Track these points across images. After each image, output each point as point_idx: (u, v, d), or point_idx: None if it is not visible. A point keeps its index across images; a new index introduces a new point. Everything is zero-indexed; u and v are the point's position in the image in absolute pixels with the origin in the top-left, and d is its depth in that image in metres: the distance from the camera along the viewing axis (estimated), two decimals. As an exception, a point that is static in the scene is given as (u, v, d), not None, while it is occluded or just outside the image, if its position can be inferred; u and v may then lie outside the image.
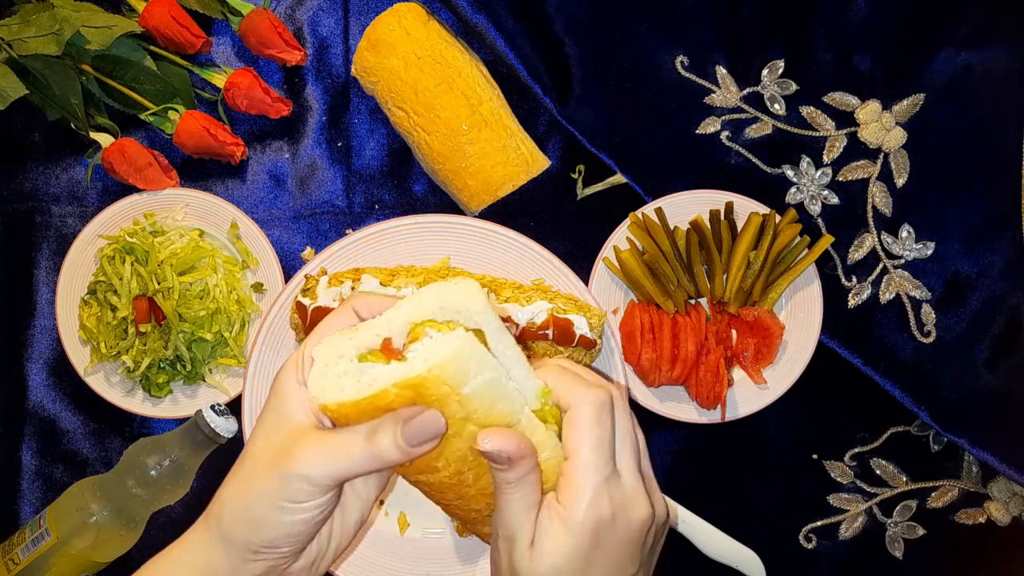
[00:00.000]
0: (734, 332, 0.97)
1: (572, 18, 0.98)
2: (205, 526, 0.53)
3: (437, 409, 0.46)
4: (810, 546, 1.00)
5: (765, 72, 1.00)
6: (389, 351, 0.48)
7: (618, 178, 1.00)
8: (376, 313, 0.52)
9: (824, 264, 0.98)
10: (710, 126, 1.00)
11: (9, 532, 0.97)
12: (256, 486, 0.50)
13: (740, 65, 1.00)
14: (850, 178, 1.00)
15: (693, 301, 0.98)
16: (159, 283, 0.96)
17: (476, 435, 0.47)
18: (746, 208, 0.96)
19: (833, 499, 1.00)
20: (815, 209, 1.00)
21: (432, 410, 0.47)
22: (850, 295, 0.99)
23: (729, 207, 0.96)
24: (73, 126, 0.99)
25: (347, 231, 1.03)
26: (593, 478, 0.46)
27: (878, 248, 0.99)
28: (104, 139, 0.99)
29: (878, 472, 1.00)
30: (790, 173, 1.00)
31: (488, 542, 0.57)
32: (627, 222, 0.96)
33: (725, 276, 0.95)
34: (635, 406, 0.97)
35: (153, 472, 0.93)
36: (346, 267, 0.95)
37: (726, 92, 1.00)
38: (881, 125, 0.99)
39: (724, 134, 1.00)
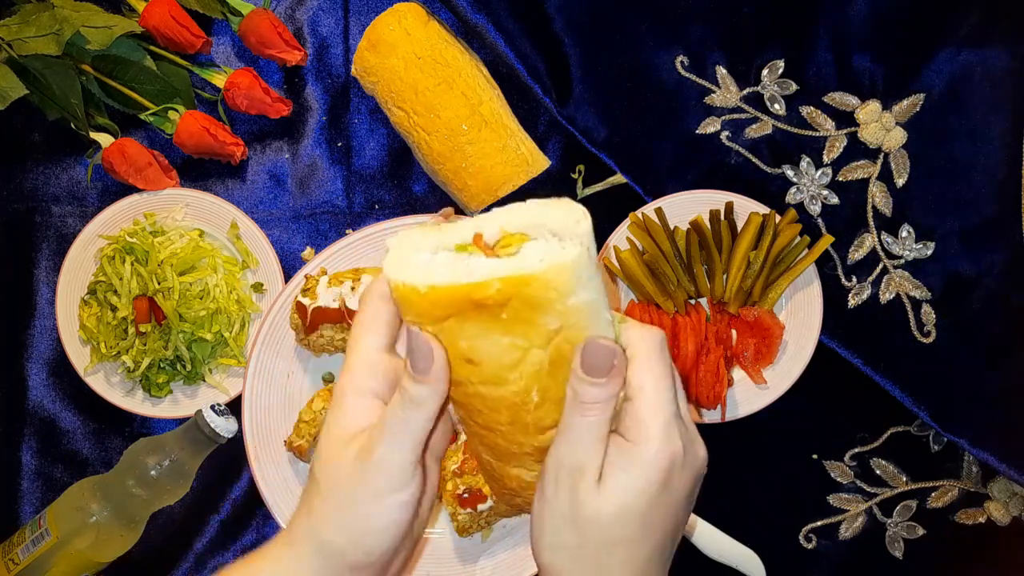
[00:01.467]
0: (734, 332, 0.97)
1: (572, 18, 0.98)
2: (288, 541, 0.50)
3: (536, 310, 0.44)
4: (810, 546, 1.00)
5: (765, 72, 1.00)
6: (486, 248, 0.45)
7: (618, 178, 1.00)
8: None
9: (824, 264, 0.98)
10: (710, 126, 1.00)
11: (9, 532, 0.97)
12: (351, 490, 0.47)
13: (740, 65, 1.00)
14: (850, 178, 1.00)
15: (693, 301, 0.98)
16: (159, 283, 0.96)
17: (563, 349, 0.45)
18: (746, 208, 0.96)
19: (833, 499, 1.00)
20: (815, 209, 1.00)
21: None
22: (850, 295, 0.99)
23: (729, 207, 0.96)
24: (73, 126, 0.99)
25: (347, 231, 1.03)
26: (664, 414, 0.45)
27: (878, 248, 0.99)
28: (104, 139, 0.99)
29: (878, 472, 1.00)
30: (790, 173, 1.00)
31: (507, 494, 0.55)
32: (627, 222, 0.96)
33: (725, 276, 0.95)
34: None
35: (153, 472, 0.93)
36: (346, 267, 0.95)
37: (726, 92, 1.00)
38: (881, 125, 0.99)
39: (724, 134, 1.00)
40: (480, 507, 0.90)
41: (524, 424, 0.49)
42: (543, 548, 0.49)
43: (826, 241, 0.96)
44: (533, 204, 0.45)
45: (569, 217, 0.44)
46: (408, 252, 0.46)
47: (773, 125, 1.00)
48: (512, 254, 0.44)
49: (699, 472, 0.48)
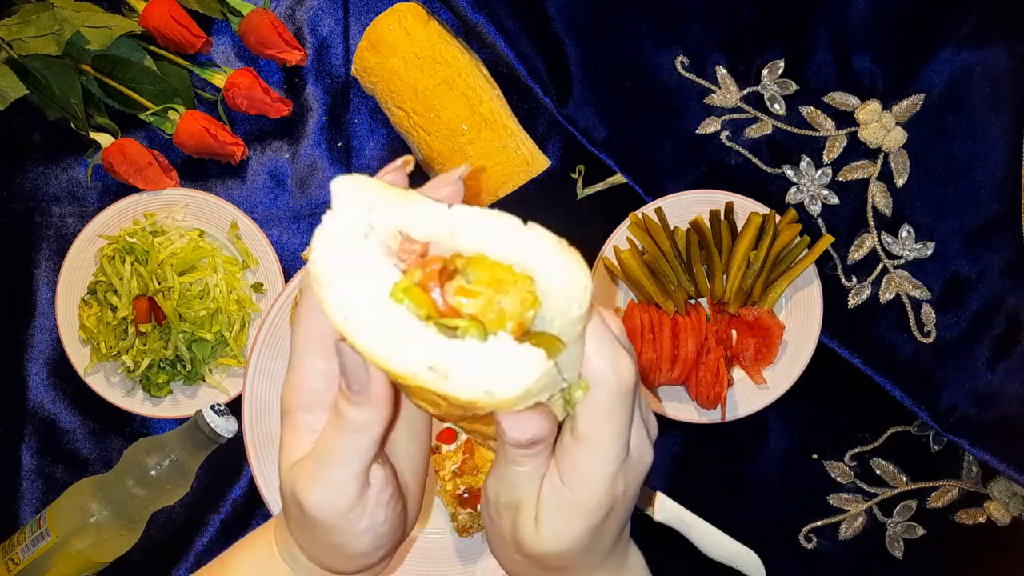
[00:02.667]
0: (734, 332, 0.97)
1: (572, 18, 0.98)
2: (273, 541, 0.50)
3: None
4: (810, 546, 1.00)
5: (765, 72, 1.00)
6: (440, 308, 0.35)
7: (618, 178, 1.00)
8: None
9: (824, 264, 0.98)
10: (710, 126, 1.00)
11: (9, 532, 0.97)
12: (305, 532, 0.46)
13: (740, 65, 1.00)
14: (850, 178, 1.00)
15: (693, 301, 0.98)
16: (159, 283, 0.96)
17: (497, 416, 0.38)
18: (746, 208, 0.96)
19: (833, 499, 1.00)
20: (815, 209, 1.00)
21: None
22: (850, 295, 0.99)
23: (729, 207, 0.96)
24: (73, 126, 0.99)
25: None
26: (611, 467, 0.42)
27: (878, 248, 0.99)
28: (104, 139, 0.98)
29: (878, 472, 1.00)
30: (790, 173, 1.00)
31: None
32: (627, 222, 0.96)
33: (725, 276, 0.95)
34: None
35: (153, 472, 0.93)
36: (346, 267, 0.95)
37: (726, 92, 1.00)
38: (881, 125, 0.99)
39: (724, 134, 1.00)
40: (480, 507, 0.90)
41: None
42: (499, 557, 0.49)
43: (826, 241, 0.96)
44: (535, 236, 0.37)
45: (570, 291, 0.36)
46: (341, 251, 0.36)
47: (773, 125, 1.00)
48: (463, 334, 0.34)
49: (643, 475, 0.45)
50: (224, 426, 0.94)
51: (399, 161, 0.41)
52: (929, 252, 0.99)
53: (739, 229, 0.96)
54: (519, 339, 0.35)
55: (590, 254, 0.97)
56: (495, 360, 0.34)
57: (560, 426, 0.42)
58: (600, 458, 0.41)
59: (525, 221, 0.36)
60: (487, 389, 0.34)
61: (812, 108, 1.00)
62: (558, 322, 0.37)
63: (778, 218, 0.95)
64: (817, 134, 1.00)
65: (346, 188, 0.37)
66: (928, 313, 0.98)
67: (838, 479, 1.00)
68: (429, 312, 0.35)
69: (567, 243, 0.36)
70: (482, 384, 0.34)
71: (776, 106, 1.00)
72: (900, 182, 0.99)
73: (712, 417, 0.96)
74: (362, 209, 0.37)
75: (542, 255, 0.36)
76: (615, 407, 0.40)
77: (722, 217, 0.96)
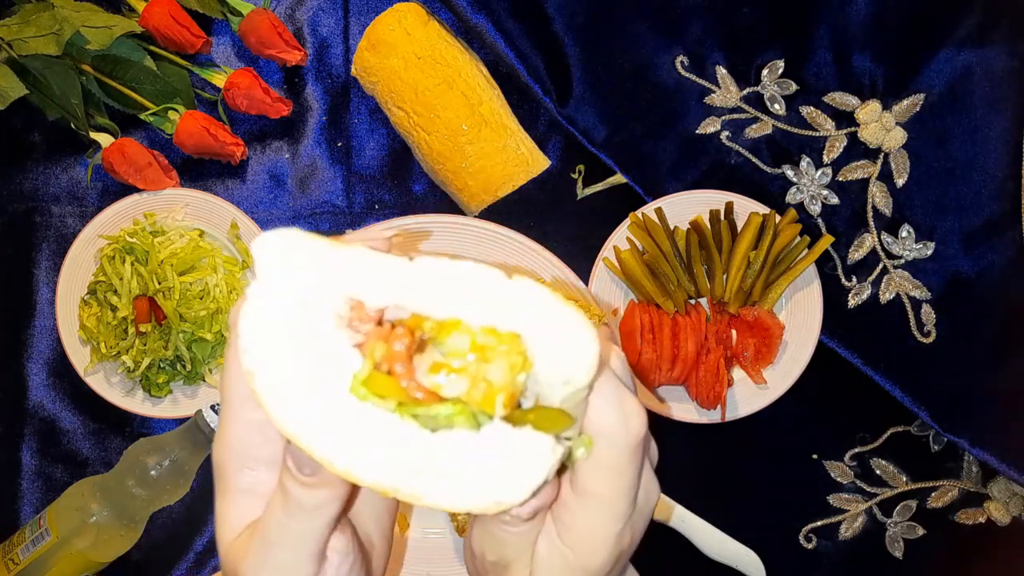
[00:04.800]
0: (734, 332, 0.97)
1: (572, 18, 0.98)
2: None
3: None
4: (810, 546, 1.00)
5: (765, 72, 1.00)
6: (419, 389, 0.28)
7: (618, 178, 1.00)
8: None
9: (824, 264, 0.98)
10: (710, 126, 1.00)
11: (9, 532, 0.97)
12: None
13: (740, 65, 1.00)
14: (850, 178, 1.00)
15: (693, 301, 0.98)
16: (159, 283, 0.96)
17: None
18: (746, 208, 0.96)
19: (833, 499, 1.00)
20: (815, 209, 1.00)
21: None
22: (850, 295, 0.99)
23: (729, 207, 0.96)
24: (73, 126, 0.99)
25: (347, 231, 1.03)
26: (616, 525, 0.37)
27: (878, 248, 0.99)
28: (104, 139, 0.98)
29: (878, 472, 1.00)
30: (790, 173, 1.00)
31: None
32: (627, 222, 0.96)
33: (725, 276, 0.95)
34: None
35: (153, 472, 0.93)
36: (346, 267, 0.94)
37: (726, 92, 1.00)
38: (881, 125, 0.99)
39: (724, 134, 1.00)
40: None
41: None
42: None
43: (826, 241, 0.96)
44: (525, 292, 0.30)
45: (573, 355, 0.29)
46: (276, 336, 0.28)
47: (773, 125, 1.00)
48: (448, 423, 0.28)
49: (650, 515, 0.41)
50: (224, 426, 0.94)
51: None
52: (929, 252, 0.99)
53: (739, 229, 0.96)
54: (516, 421, 0.29)
55: (590, 254, 0.97)
56: (494, 455, 0.28)
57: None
58: (606, 517, 0.37)
59: (509, 274, 0.29)
60: (495, 500, 0.29)
61: (812, 108, 1.00)
62: (560, 389, 0.30)
63: (778, 218, 0.95)
64: (817, 134, 1.00)
65: (273, 249, 0.30)
66: (928, 313, 0.98)
67: (838, 479, 1.00)
68: (400, 399, 0.28)
69: (563, 297, 0.30)
70: (482, 492, 0.28)
71: (776, 106, 1.00)
72: (900, 182, 0.99)
73: (712, 417, 0.96)
74: (298, 273, 0.29)
75: (537, 315, 0.29)
76: (625, 464, 0.35)
77: (722, 217, 0.96)
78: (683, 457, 1.00)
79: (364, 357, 0.28)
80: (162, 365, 0.98)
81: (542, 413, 0.30)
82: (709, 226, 0.96)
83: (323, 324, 0.29)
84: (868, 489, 1.00)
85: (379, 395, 0.28)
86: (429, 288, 0.29)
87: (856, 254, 0.99)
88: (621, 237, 0.97)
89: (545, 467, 0.29)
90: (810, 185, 1.00)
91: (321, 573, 0.36)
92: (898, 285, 0.99)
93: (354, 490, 0.36)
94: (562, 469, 0.36)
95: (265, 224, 1.02)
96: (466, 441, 0.28)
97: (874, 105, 0.99)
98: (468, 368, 0.28)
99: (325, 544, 0.36)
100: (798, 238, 0.96)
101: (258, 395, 0.29)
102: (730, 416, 0.96)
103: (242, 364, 0.29)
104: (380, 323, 0.29)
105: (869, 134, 0.99)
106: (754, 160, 1.00)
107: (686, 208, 0.97)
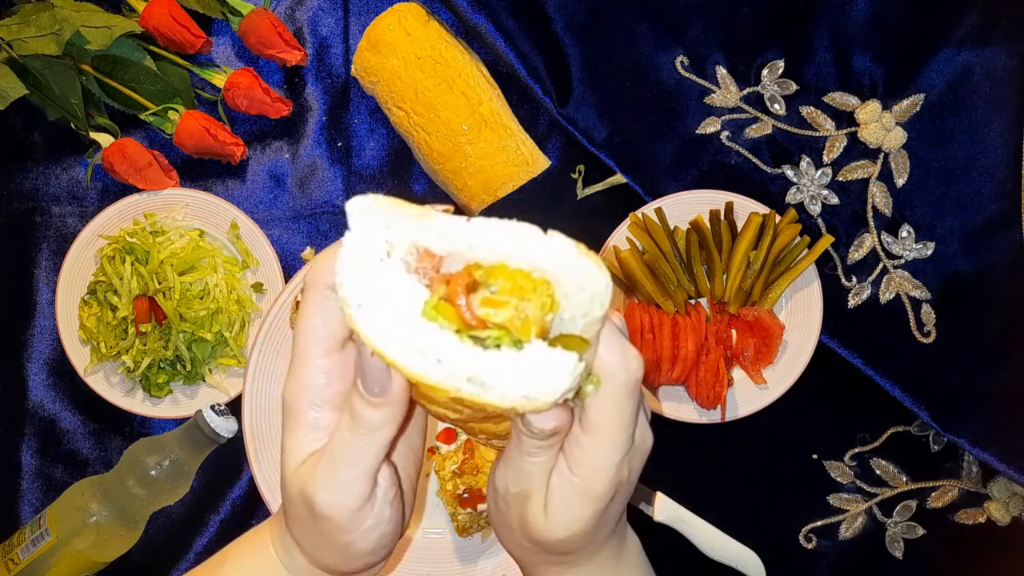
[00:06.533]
0: (734, 332, 0.97)
1: (572, 18, 0.98)
2: (266, 544, 0.51)
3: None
4: (810, 546, 1.00)
5: (765, 72, 1.00)
6: (466, 319, 0.36)
7: (618, 178, 1.00)
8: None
9: (824, 264, 0.98)
10: (710, 126, 1.00)
11: (9, 532, 0.97)
12: (309, 534, 0.46)
13: (740, 65, 1.00)
14: (850, 178, 1.00)
15: (693, 301, 0.98)
16: (159, 283, 0.96)
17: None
18: (746, 208, 0.96)
19: (833, 499, 1.00)
20: (815, 209, 1.00)
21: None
22: (850, 295, 0.99)
23: (729, 207, 0.96)
24: (73, 126, 0.99)
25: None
26: (618, 454, 0.43)
27: (878, 248, 0.99)
28: (104, 139, 0.99)
29: (878, 472, 1.00)
30: (790, 173, 1.00)
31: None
32: (627, 222, 0.96)
33: (725, 276, 0.95)
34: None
35: (153, 472, 0.93)
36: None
37: (726, 92, 1.00)
38: (881, 125, 0.99)
39: (724, 134, 1.00)
40: (480, 507, 0.90)
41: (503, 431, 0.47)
42: (505, 543, 0.51)
43: (826, 241, 0.96)
44: (556, 242, 0.38)
45: (592, 291, 0.38)
46: (366, 272, 0.37)
47: (773, 125, 1.00)
48: (496, 344, 0.36)
49: (645, 458, 0.48)
50: (224, 426, 0.94)
51: (440, 207, 0.42)
52: (929, 252, 0.99)
53: (739, 229, 0.96)
54: (548, 343, 0.37)
55: (590, 254, 0.97)
56: (531, 367, 0.36)
57: None
58: (609, 447, 0.43)
59: (545, 229, 0.38)
60: (526, 395, 0.36)
61: (812, 108, 1.00)
62: (580, 322, 0.39)
63: (778, 218, 0.95)
64: (817, 134, 1.00)
65: (362, 207, 0.38)
66: (928, 313, 0.98)
67: (838, 479, 1.00)
68: (459, 325, 0.36)
69: (585, 247, 0.38)
70: (521, 391, 0.36)
71: (776, 106, 1.00)
72: (900, 182, 0.99)
73: (712, 417, 0.96)
74: (380, 227, 0.38)
75: (564, 260, 0.38)
76: (625, 399, 0.42)
77: (722, 217, 0.96)
78: (683, 457, 1.00)
79: (431, 291, 0.37)
80: (162, 365, 0.98)
81: (567, 339, 0.38)
82: (709, 226, 0.96)
83: (400, 266, 0.38)
84: (868, 489, 1.00)
85: (444, 319, 0.36)
86: (482, 241, 0.38)
87: (856, 254, 0.99)
88: (621, 237, 0.97)
89: (571, 376, 0.36)
90: (810, 185, 1.00)
91: (372, 495, 0.43)
92: (898, 285, 0.99)
93: (401, 426, 0.43)
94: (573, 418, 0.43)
95: (265, 224, 1.02)
96: (510, 356, 0.36)
97: (874, 105, 0.99)
98: (512, 304, 0.36)
99: (379, 467, 0.43)
100: (798, 238, 0.96)
101: (352, 319, 0.37)
102: (730, 416, 0.96)
103: (339, 294, 0.37)
104: (439, 269, 0.38)
105: (869, 134, 0.99)
106: (754, 160, 1.00)
107: (686, 208, 0.97)
